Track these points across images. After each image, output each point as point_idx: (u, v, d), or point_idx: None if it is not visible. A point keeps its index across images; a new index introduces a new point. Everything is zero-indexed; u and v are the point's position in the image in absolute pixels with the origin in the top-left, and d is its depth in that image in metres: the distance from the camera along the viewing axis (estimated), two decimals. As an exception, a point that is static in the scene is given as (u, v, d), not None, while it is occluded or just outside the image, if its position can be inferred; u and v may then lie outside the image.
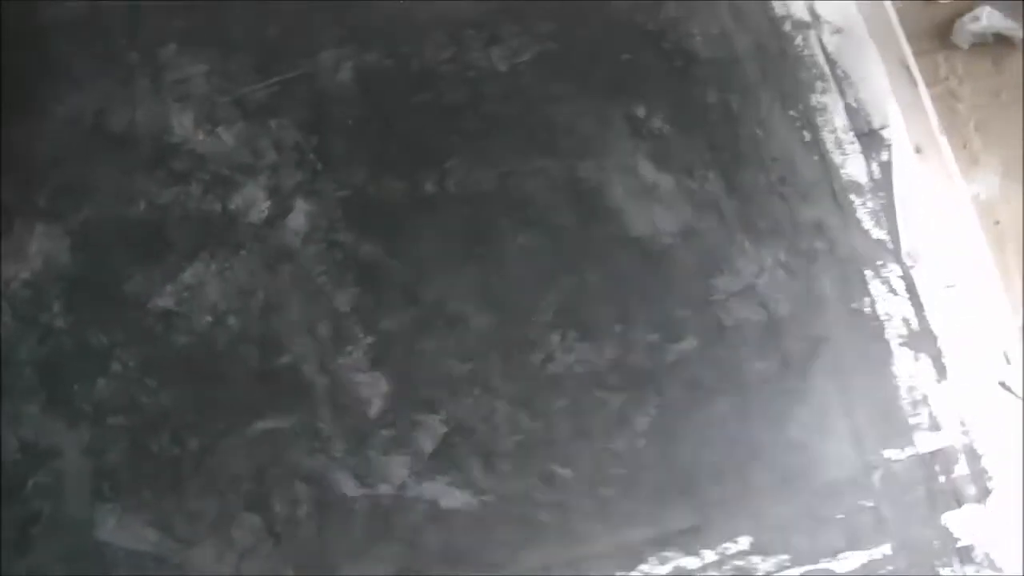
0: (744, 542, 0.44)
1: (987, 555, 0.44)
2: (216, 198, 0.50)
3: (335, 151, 0.50)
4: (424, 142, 0.49)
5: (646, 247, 0.45)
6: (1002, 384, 0.45)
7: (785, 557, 0.44)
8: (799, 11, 0.48)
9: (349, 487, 0.46)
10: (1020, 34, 0.47)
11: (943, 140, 0.47)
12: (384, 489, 0.46)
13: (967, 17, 0.48)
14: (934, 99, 0.48)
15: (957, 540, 0.44)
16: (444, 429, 0.46)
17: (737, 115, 0.46)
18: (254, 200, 0.49)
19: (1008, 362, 0.46)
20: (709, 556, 0.44)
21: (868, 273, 0.45)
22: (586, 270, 0.46)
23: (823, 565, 0.44)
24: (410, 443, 0.46)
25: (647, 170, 0.46)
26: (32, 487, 0.50)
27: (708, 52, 0.46)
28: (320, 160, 0.49)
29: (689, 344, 0.45)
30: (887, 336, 0.45)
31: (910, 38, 0.47)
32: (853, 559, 0.44)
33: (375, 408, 0.47)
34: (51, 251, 0.52)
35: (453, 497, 0.46)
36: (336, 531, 0.46)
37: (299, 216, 0.49)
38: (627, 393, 0.45)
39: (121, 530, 0.50)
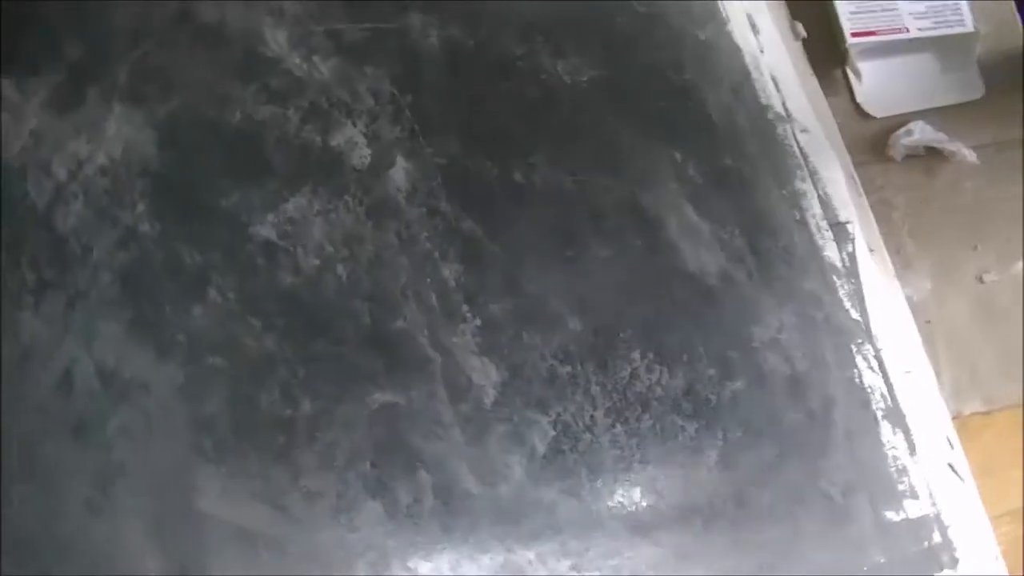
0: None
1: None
2: (316, 131, 0.76)
3: (429, 115, 0.80)
4: (509, 130, 0.83)
5: (699, 284, 0.86)
6: (950, 466, 0.97)
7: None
8: (776, 104, 1.00)
9: (470, 482, 0.73)
10: (949, 146, 0.99)
11: (882, 244, 0.98)
12: (504, 490, 0.74)
13: (901, 131, 1.00)
14: (872, 207, 1.04)
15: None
16: (552, 432, 0.76)
17: (749, 182, 0.95)
18: (355, 143, 0.76)
19: (951, 447, 0.98)
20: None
21: (852, 348, 0.95)
22: (657, 295, 0.83)
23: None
24: (524, 442, 0.75)
25: (690, 212, 0.91)
26: (114, 429, 0.65)
27: (720, 119, 0.95)
28: (416, 121, 0.80)
29: (741, 384, 0.83)
30: (873, 407, 0.88)
31: (851, 149, 1.04)
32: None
33: (489, 398, 0.75)
34: (134, 139, 0.70)
35: (568, 507, 0.75)
36: (462, 530, 0.72)
37: (400, 172, 0.77)
38: (698, 422, 0.81)
39: (226, 501, 0.67)
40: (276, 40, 0.76)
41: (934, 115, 1.04)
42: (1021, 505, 1.00)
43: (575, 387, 0.80)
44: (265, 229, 0.73)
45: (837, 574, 0.84)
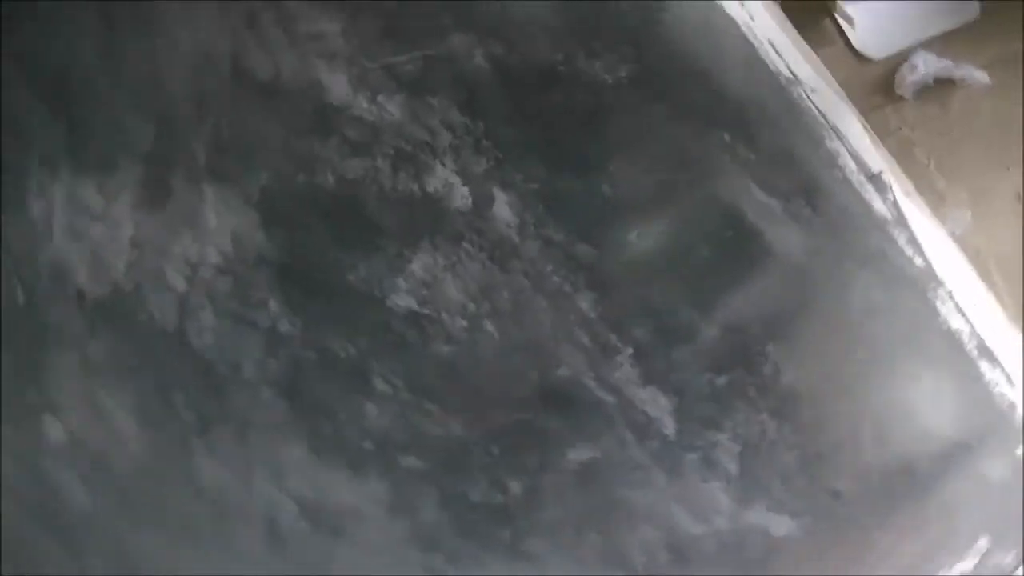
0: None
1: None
2: (409, 178, 0.66)
3: (505, 140, 0.70)
4: (578, 141, 0.74)
5: (787, 263, 0.79)
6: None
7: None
8: (783, 69, 0.94)
9: (688, 522, 0.65)
10: (957, 72, 1.04)
11: (912, 187, 0.99)
12: (720, 522, 0.66)
13: (905, 68, 0.97)
14: (893, 150, 0.98)
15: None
16: (737, 448, 0.69)
17: (791, 151, 0.87)
18: (451, 184, 0.67)
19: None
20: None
21: (929, 295, 0.88)
22: (760, 283, 0.76)
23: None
24: (717, 466, 0.67)
25: (758, 193, 0.83)
26: (340, 570, 0.52)
27: (744, 94, 0.87)
28: (497, 149, 0.70)
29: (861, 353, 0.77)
30: (967, 349, 0.87)
31: (859, 96, 0.99)
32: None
33: (670, 428, 0.67)
34: (238, 226, 0.57)
35: (779, 523, 0.68)
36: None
37: (503, 207, 0.68)
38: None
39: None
40: (337, 86, 0.64)
41: (934, 44, 0.99)
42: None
43: (735, 395, 0.73)
44: (402, 298, 0.63)
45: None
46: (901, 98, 0.98)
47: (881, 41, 0.97)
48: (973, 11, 0.99)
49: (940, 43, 1.00)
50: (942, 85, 0.98)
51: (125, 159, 0.57)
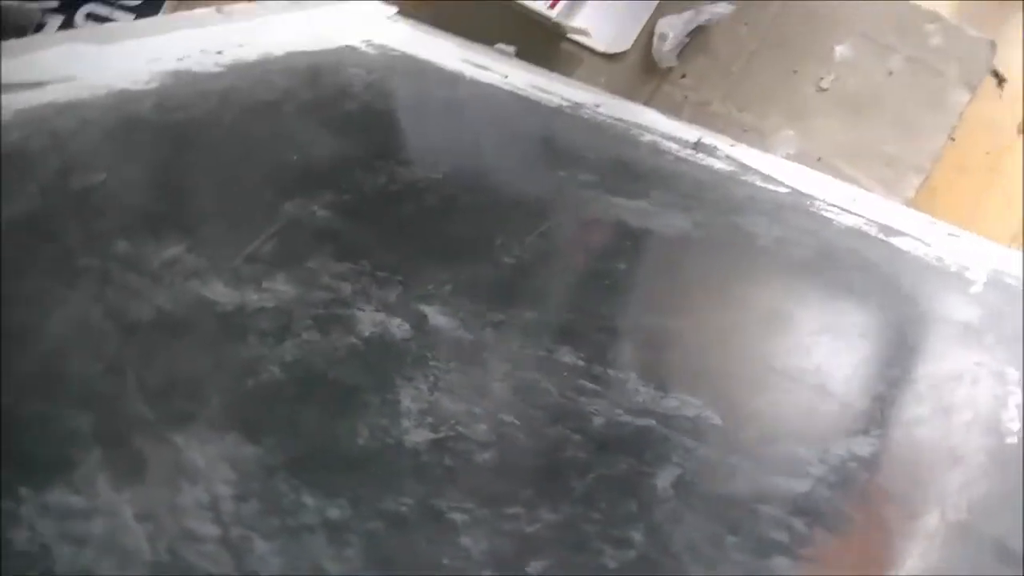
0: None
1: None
2: (343, 334, 0.61)
3: (393, 264, 0.67)
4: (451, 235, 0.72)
5: (690, 240, 0.78)
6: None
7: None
8: (561, 102, 0.91)
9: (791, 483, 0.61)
10: (701, 17, 1.01)
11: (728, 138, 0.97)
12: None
13: (656, 41, 0.95)
14: (695, 116, 0.98)
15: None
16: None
17: (619, 159, 0.86)
18: (381, 322, 0.62)
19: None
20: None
21: (812, 211, 0.89)
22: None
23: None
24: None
25: (623, 202, 0.80)
26: None
27: (549, 132, 0.86)
28: (393, 274, 0.66)
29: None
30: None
31: (635, 90, 0.98)
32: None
33: (715, 418, 0.64)
34: (229, 452, 0.52)
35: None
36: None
37: (437, 318, 0.64)
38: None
39: None
40: (220, 294, 0.61)
41: (667, 5, 1.00)
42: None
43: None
44: (417, 434, 0.59)
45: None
46: (669, 69, 0.98)
47: (621, 32, 0.98)
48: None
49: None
50: (696, 35, 0.99)
51: (77, 451, 0.50)
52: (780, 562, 0.57)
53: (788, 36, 0.97)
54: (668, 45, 0.96)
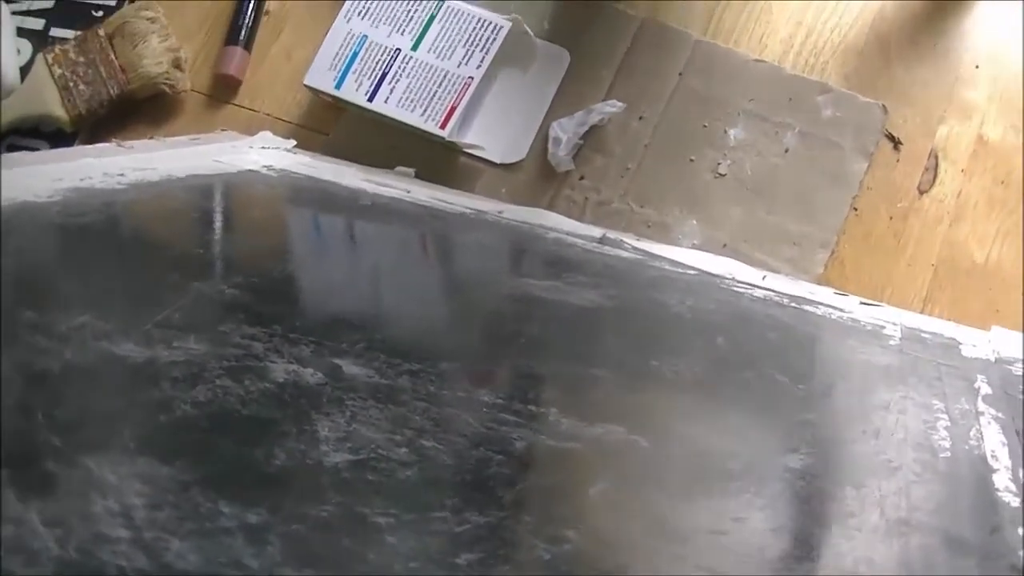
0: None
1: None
2: (257, 380, 0.60)
3: (305, 327, 0.67)
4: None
5: (605, 309, 0.79)
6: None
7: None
8: (464, 210, 0.92)
9: None
10: (593, 117, 1.02)
11: (632, 235, 0.98)
12: None
13: (551, 146, 0.95)
14: (598, 217, 0.99)
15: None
16: None
17: (527, 251, 0.87)
18: (295, 370, 0.62)
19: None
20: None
21: (723, 287, 0.89)
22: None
23: None
24: None
25: (538, 283, 0.80)
26: None
27: (462, 240, 0.87)
28: (306, 335, 0.65)
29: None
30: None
31: (536, 196, 0.99)
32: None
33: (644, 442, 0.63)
34: (142, 470, 0.53)
35: None
36: None
37: (351, 367, 0.63)
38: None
39: None
40: (131, 351, 0.61)
41: (558, 108, 1.03)
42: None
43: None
44: (337, 456, 0.58)
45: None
46: (567, 173, 1.01)
47: (514, 142, 1.01)
48: (565, 58, 1.04)
49: (560, 102, 1.04)
50: (591, 136, 1.02)
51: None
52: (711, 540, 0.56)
53: (681, 125, 1.01)
54: (563, 149, 0.99)
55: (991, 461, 0.68)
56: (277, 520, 0.49)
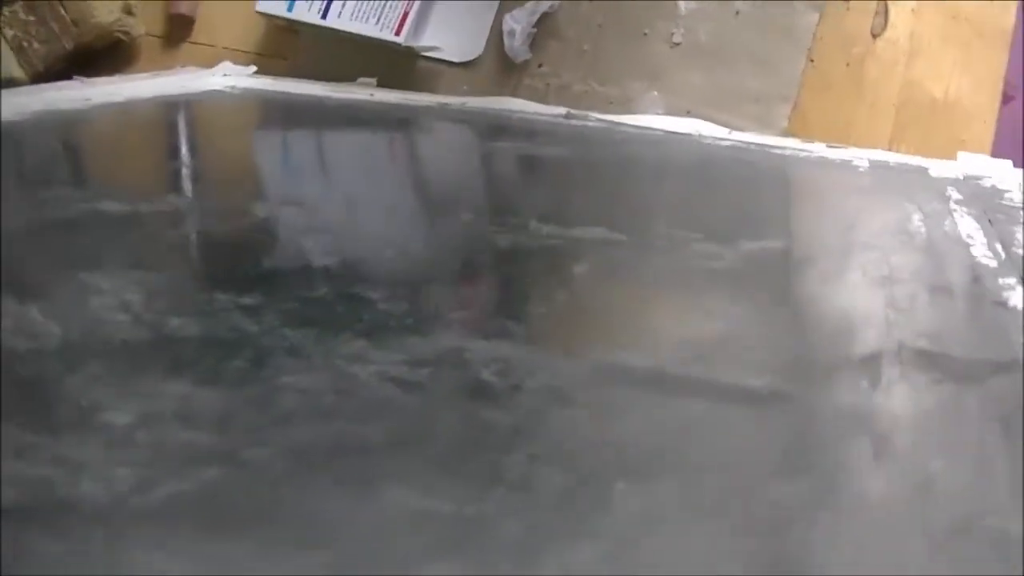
0: None
1: None
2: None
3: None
4: None
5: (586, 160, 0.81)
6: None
7: None
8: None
9: None
10: (543, 5, 1.03)
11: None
12: None
13: (506, 39, 0.94)
14: (563, 99, 1.01)
15: None
16: None
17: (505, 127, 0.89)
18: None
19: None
20: None
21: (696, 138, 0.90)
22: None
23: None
24: None
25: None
26: None
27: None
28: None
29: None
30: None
31: (497, 88, 1.01)
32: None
33: None
34: None
35: None
36: None
37: None
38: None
39: None
40: None
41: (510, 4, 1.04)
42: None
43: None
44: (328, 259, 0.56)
45: None
46: (526, 63, 1.02)
47: (470, 39, 1.02)
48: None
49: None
50: (544, 23, 1.03)
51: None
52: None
53: (631, 1, 1.01)
54: (518, 39, 1.00)
55: (967, 240, 0.69)
56: (271, 301, 0.50)
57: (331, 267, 0.56)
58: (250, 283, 0.53)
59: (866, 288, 0.61)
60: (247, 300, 0.50)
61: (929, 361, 0.51)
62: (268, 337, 0.46)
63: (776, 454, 0.40)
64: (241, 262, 0.56)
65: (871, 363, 0.50)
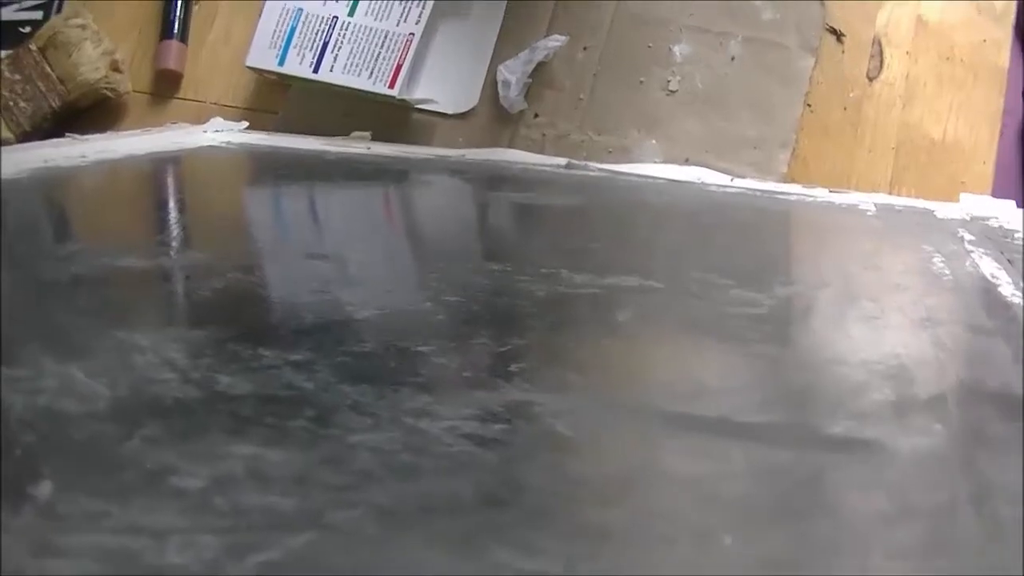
0: None
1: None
2: None
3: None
4: None
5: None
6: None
7: None
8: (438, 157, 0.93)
9: None
10: (538, 55, 1.02)
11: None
12: None
13: (501, 90, 0.95)
14: (560, 150, 1.00)
15: None
16: None
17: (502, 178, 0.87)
18: None
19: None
20: None
21: (699, 187, 0.89)
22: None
23: None
24: None
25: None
26: None
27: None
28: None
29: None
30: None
31: (494, 138, 0.99)
32: None
33: None
34: None
35: None
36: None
37: None
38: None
39: None
40: None
41: (501, 52, 1.03)
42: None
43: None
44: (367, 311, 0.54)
45: None
46: (521, 113, 1.01)
47: (464, 90, 1.01)
48: (499, 8, 1.04)
49: (504, 44, 1.04)
50: (539, 73, 1.02)
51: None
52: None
53: (626, 49, 1.01)
54: (513, 90, 0.99)
55: (992, 280, 0.68)
56: (320, 356, 0.48)
57: (372, 320, 0.54)
58: (293, 338, 0.51)
59: (910, 330, 0.60)
60: (296, 356, 0.48)
61: (993, 400, 0.50)
62: (327, 394, 0.44)
63: (881, 500, 0.38)
64: (278, 316, 0.55)
65: (938, 405, 0.49)
